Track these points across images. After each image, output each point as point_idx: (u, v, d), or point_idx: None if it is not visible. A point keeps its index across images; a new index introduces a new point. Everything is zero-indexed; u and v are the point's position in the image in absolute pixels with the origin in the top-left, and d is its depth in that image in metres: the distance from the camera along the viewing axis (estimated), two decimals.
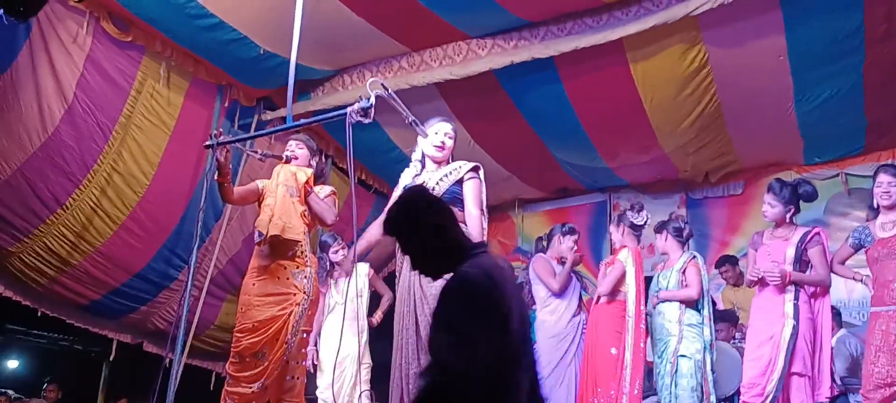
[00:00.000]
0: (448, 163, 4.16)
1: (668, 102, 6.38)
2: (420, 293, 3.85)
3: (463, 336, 2.22)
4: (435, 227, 2.54)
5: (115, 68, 5.62)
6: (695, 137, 6.87)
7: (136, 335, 7.37)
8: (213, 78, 6.21)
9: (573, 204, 8.84)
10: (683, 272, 5.41)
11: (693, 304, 5.35)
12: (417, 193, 2.72)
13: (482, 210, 3.99)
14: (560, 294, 5.77)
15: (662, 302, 5.47)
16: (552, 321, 5.72)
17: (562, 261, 5.90)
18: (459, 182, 4.03)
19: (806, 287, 4.74)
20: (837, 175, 7.45)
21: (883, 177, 4.67)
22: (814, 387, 4.61)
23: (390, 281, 4.67)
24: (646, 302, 5.86)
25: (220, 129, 4.59)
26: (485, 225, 4.06)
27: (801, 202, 4.88)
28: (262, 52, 5.75)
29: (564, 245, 5.94)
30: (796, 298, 4.70)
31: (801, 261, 4.75)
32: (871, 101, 6.25)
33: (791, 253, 4.76)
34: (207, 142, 3.98)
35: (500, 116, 6.86)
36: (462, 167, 4.06)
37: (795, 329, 4.62)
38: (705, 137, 6.83)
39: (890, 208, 4.65)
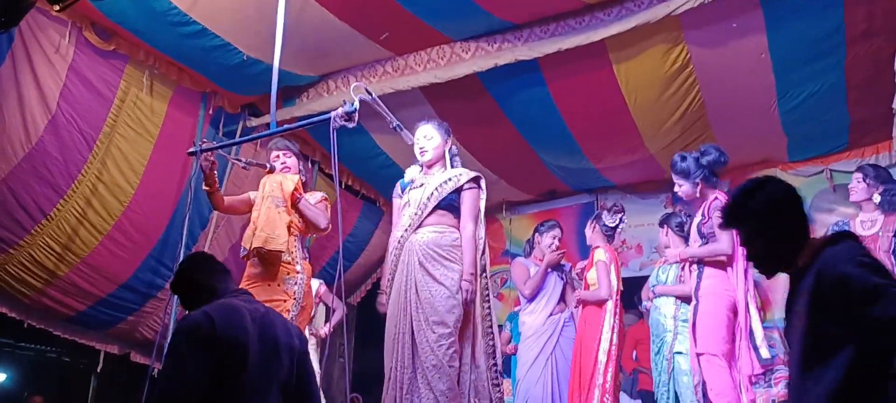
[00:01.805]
0: (442, 159, 4.16)
1: (651, 102, 6.41)
2: (416, 299, 3.85)
3: (172, 365, 2.60)
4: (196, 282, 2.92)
5: (97, 78, 5.60)
6: (679, 137, 6.89)
7: (124, 345, 7.32)
8: (197, 85, 6.19)
9: (560, 206, 8.85)
10: (683, 268, 5.38)
11: (690, 300, 5.34)
12: (187, 265, 3.05)
13: (476, 221, 4.00)
14: (530, 298, 5.77)
15: (658, 296, 5.48)
16: (530, 321, 5.75)
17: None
18: (458, 190, 4.04)
19: (712, 261, 4.49)
20: (822, 171, 7.50)
21: (853, 176, 4.77)
22: (731, 365, 4.31)
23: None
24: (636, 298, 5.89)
25: (205, 139, 4.56)
26: (482, 234, 4.07)
27: (711, 170, 4.58)
28: (245, 58, 5.74)
29: (544, 242, 5.94)
30: (700, 276, 4.54)
31: (709, 234, 4.51)
32: (853, 98, 6.28)
33: (693, 228, 4.64)
34: (191, 149, 3.98)
35: (485, 120, 6.87)
36: (462, 176, 4.07)
37: (696, 307, 4.47)
38: (690, 137, 6.86)
39: (860, 204, 4.73)
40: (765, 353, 4.13)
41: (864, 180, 4.74)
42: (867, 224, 4.72)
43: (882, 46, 5.40)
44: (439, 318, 3.77)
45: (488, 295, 4.06)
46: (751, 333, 4.19)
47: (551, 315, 5.74)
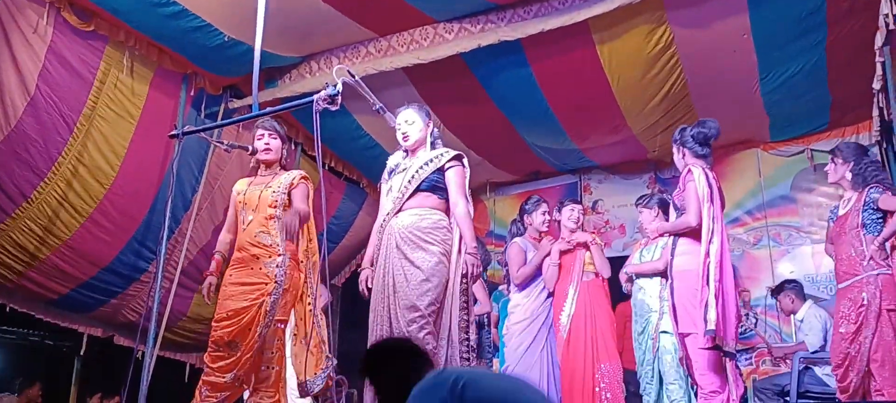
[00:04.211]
0: (425, 143, 4.15)
1: (635, 83, 6.43)
2: (392, 283, 3.85)
3: None
4: None
5: (77, 59, 5.54)
6: (662, 117, 6.93)
7: (107, 328, 7.31)
8: (178, 67, 6.13)
9: (544, 187, 8.88)
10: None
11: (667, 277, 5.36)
12: None
13: (466, 197, 4.01)
14: (520, 287, 5.76)
15: (633, 276, 5.52)
16: (526, 302, 5.70)
17: (540, 239, 5.88)
18: (440, 170, 4.04)
19: (687, 236, 4.39)
20: (803, 151, 7.58)
21: (829, 157, 4.80)
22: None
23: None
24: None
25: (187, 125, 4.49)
26: (471, 211, 4.07)
27: (695, 139, 4.48)
28: (226, 39, 5.70)
29: (537, 220, 5.87)
30: (673, 252, 4.46)
31: (681, 206, 4.44)
32: (834, 78, 6.34)
33: (671, 204, 4.61)
34: (173, 132, 3.95)
35: (469, 101, 6.86)
36: (444, 155, 4.06)
37: (672, 286, 4.40)
38: (673, 117, 6.89)
39: (839, 184, 4.74)
40: (710, 326, 4.05)
41: (833, 160, 4.74)
42: (846, 202, 4.69)
43: (863, 25, 5.44)
44: (410, 302, 3.76)
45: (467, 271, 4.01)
46: (706, 305, 4.05)
47: (548, 297, 5.73)
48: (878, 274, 4.37)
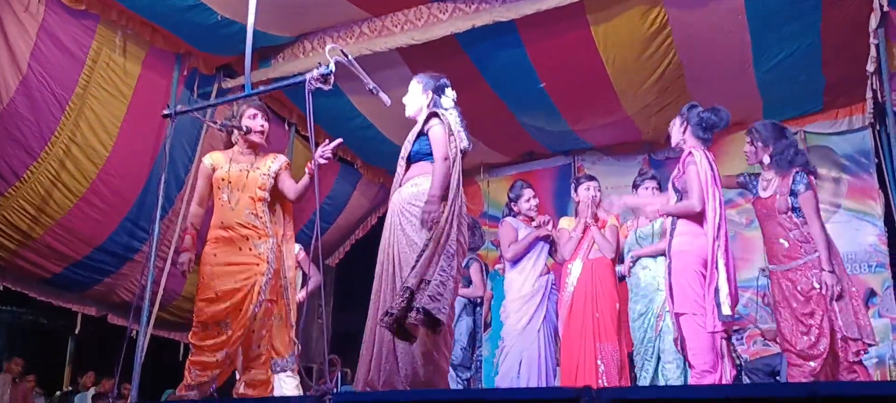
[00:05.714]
0: (423, 112, 4.04)
1: (629, 64, 6.42)
2: (397, 259, 3.76)
3: None
4: None
5: (69, 38, 5.52)
6: (656, 98, 6.93)
7: (101, 307, 7.32)
8: (171, 46, 6.11)
9: (538, 168, 8.88)
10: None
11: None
12: None
13: (446, 156, 3.79)
14: (512, 262, 5.77)
15: (636, 261, 5.51)
16: (520, 280, 5.69)
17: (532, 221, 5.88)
18: (423, 135, 3.96)
19: (688, 218, 4.33)
20: (797, 133, 7.55)
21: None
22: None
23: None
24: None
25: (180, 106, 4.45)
26: (455, 171, 3.81)
27: (699, 122, 4.42)
28: (219, 18, 5.67)
29: (523, 207, 5.86)
30: (672, 233, 4.39)
31: (682, 189, 4.38)
32: (828, 60, 6.34)
33: (670, 185, 4.50)
34: (166, 111, 3.93)
35: (463, 82, 6.71)
36: (421, 120, 3.96)
37: (669, 266, 4.35)
38: (667, 98, 6.89)
39: (759, 165, 4.59)
40: (726, 310, 4.05)
41: (753, 143, 4.56)
42: (765, 184, 4.50)
43: (858, 8, 5.44)
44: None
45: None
46: (716, 290, 4.07)
47: (540, 275, 5.73)
48: (818, 257, 4.21)
